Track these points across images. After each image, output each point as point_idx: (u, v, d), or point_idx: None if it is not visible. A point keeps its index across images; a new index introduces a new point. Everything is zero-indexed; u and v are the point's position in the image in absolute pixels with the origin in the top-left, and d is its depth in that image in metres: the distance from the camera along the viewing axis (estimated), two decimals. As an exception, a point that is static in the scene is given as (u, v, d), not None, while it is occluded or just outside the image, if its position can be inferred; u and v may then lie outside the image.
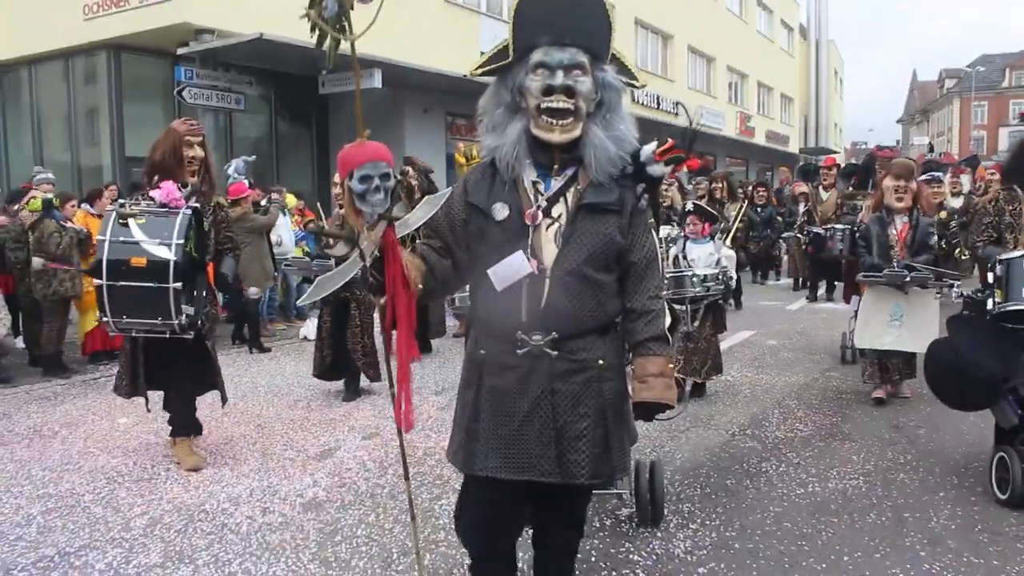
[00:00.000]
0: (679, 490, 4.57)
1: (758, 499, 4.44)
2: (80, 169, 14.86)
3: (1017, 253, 4.55)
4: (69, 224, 8.01)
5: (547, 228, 2.55)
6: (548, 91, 2.49)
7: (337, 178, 2.47)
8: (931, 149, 43.51)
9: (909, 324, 6.13)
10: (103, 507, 4.35)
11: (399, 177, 2.14)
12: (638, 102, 25.45)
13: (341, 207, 2.44)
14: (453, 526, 2.77)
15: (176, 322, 4.54)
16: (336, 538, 3.90)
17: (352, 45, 2.28)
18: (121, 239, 4.52)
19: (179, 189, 4.71)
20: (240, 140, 15.13)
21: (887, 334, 6.22)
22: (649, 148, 2.62)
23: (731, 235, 10.81)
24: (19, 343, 8.59)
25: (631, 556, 3.70)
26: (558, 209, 2.56)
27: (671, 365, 2.68)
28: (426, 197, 2.63)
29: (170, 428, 5.13)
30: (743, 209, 11.88)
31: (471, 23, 18.42)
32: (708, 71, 32.26)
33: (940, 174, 9.87)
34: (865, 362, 6.63)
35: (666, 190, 9.60)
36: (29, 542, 3.92)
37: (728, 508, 4.31)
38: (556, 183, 2.58)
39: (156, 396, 5.18)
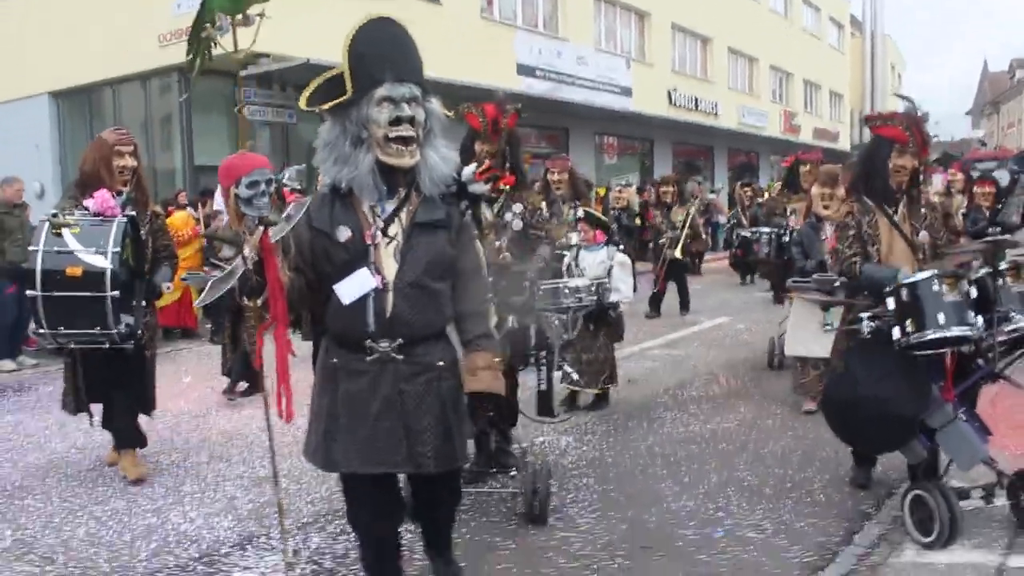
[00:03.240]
0: (588, 427, 6.08)
1: (644, 434, 5.91)
2: (156, 172, 16.95)
3: (922, 275, 3.88)
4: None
5: (386, 246, 2.86)
6: (396, 122, 2.78)
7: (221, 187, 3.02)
8: (982, 144, 43.19)
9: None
10: (171, 432, 6.12)
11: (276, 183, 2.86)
12: (675, 104, 26.66)
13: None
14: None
15: (115, 332, 4.46)
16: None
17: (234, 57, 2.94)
18: (55, 249, 4.37)
19: (113, 197, 4.64)
20: (296, 150, 17.02)
21: (817, 341, 6.04)
22: (469, 169, 3.08)
23: (680, 243, 11.31)
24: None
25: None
26: (394, 228, 2.88)
27: (497, 359, 3.01)
28: (294, 203, 2.92)
29: (113, 441, 5.20)
30: (691, 214, 11.80)
31: (507, 36, 19.94)
32: (750, 71, 33.04)
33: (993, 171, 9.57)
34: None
35: (620, 192, 10.67)
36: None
37: (618, 438, 5.79)
38: (390, 205, 2.89)
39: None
